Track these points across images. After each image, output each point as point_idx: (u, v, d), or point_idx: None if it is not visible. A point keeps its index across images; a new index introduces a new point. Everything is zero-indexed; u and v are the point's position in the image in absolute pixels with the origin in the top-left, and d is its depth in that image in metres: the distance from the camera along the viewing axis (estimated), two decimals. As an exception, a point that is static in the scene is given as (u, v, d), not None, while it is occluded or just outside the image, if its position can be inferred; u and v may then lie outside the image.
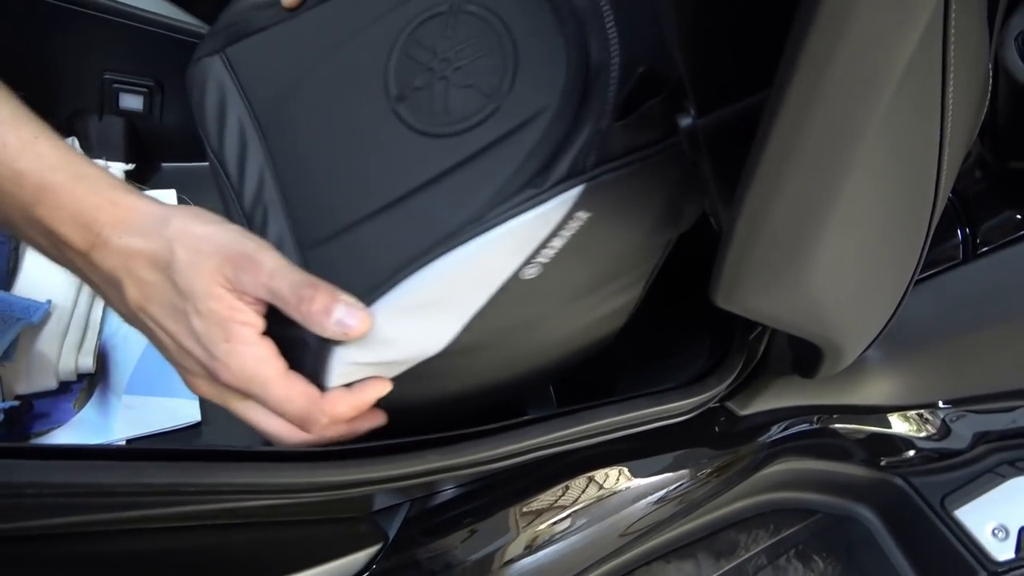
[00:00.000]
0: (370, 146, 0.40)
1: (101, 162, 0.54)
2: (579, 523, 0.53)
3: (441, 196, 0.38)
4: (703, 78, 0.25)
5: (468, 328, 0.39)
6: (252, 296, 0.35)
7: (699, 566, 0.75)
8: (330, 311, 0.35)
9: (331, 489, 0.39)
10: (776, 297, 0.30)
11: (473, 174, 0.38)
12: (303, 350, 0.38)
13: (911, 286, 0.47)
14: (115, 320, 0.50)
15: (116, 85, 0.55)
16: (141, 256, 0.34)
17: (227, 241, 0.35)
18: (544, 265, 0.38)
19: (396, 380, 0.40)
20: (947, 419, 0.72)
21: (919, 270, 0.46)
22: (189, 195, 0.58)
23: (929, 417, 0.72)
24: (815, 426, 0.65)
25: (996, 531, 0.70)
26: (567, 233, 0.37)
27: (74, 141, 0.56)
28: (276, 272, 0.35)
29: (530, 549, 0.52)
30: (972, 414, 0.72)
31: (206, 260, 0.34)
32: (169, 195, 0.58)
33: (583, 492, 0.53)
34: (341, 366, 0.38)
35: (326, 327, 0.35)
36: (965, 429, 0.73)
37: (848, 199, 0.24)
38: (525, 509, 0.51)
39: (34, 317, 0.46)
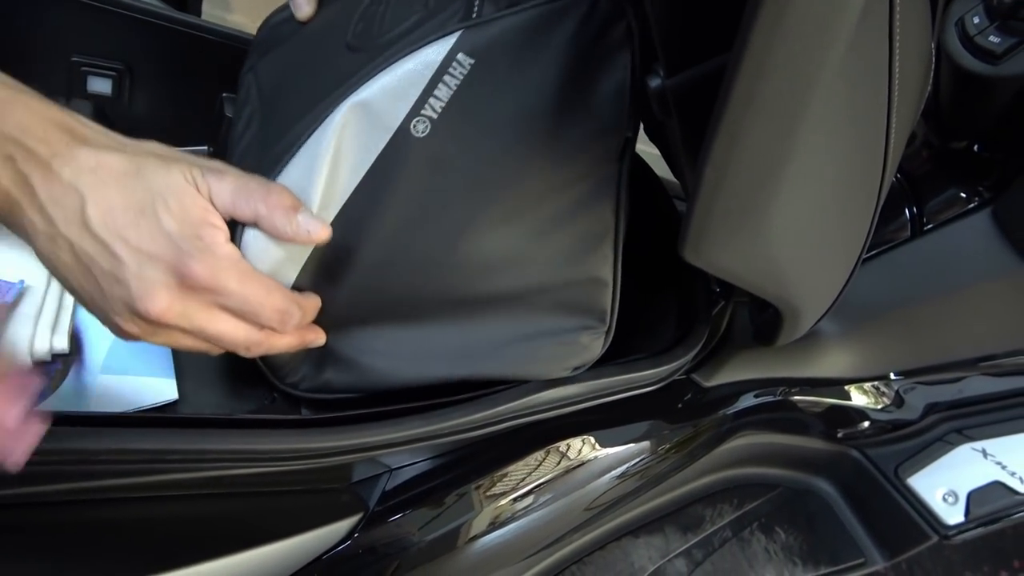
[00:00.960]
0: (324, 72, 0.42)
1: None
2: (546, 497, 0.55)
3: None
4: (673, 38, 0.27)
5: (371, 196, 0.38)
6: (219, 201, 0.36)
7: (667, 540, 0.77)
8: (297, 208, 0.37)
9: (316, 456, 0.40)
10: (739, 252, 0.32)
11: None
12: None
13: (861, 258, 0.50)
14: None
15: (84, 68, 0.55)
16: (109, 165, 0.33)
17: (195, 159, 0.36)
18: (433, 121, 0.38)
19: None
20: (900, 391, 0.76)
21: (868, 243, 0.49)
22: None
23: (884, 389, 0.75)
24: (777, 398, 0.68)
25: (947, 496, 0.73)
26: (451, 81, 0.37)
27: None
28: (242, 175, 0.37)
29: (493, 525, 0.53)
30: (923, 386, 0.76)
31: (177, 164, 0.35)
32: (139, 180, 0.58)
33: (549, 465, 0.55)
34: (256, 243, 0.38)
35: (289, 222, 0.36)
36: (917, 400, 0.76)
37: (804, 150, 0.26)
38: (495, 483, 0.52)
39: (7, 297, 0.46)
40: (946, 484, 0.74)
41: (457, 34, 0.37)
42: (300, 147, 0.39)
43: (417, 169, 0.38)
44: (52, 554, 0.34)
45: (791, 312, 0.46)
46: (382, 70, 0.38)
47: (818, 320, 0.54)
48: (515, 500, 0.54)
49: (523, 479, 0.54)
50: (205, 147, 0.62)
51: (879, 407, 0.76)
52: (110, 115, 0.57)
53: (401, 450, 0.44)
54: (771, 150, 0.25)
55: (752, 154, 0.25)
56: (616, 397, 0.53)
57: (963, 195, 0.64)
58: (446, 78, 0.37)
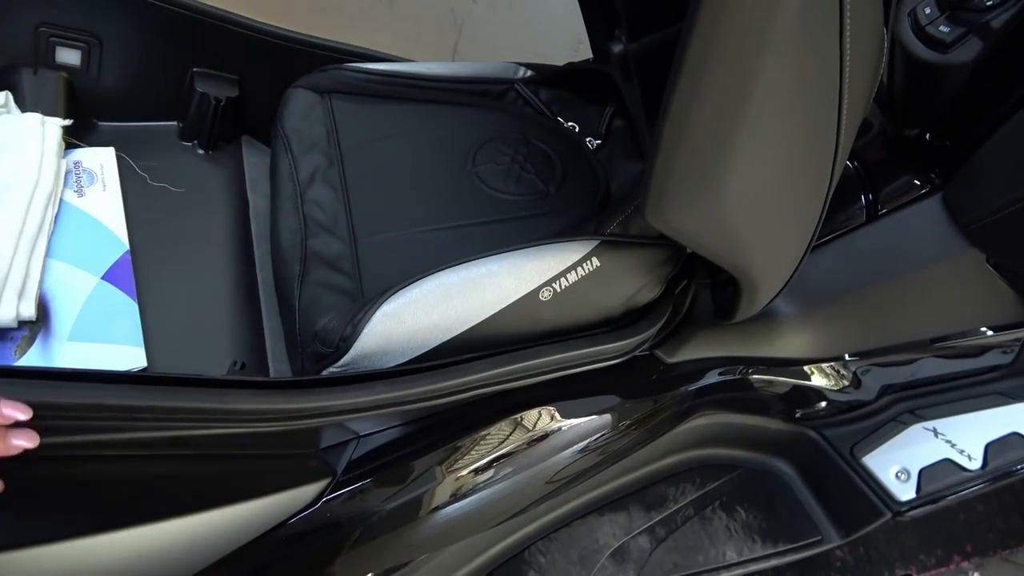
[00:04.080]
0: (442, 187, 0.54)
1: (36, 115, 0.54)
2: (508, 470, 0.56)
3: (488, 234, 0.52)
4: (634, 4, 0.28)
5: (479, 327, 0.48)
6: None
7: (631, 518, 0.79)
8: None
9: (283, 418, 0.41)
10: (697, 215, 0.34)
11: (515, 229, 0.53)
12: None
13: (814, 238, 0.51)
14: (58, 268, 0.50)
15: (53, 38, 0.54)
16: None
17: None
18: (556, 293, 0.50)
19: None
20: (857, 372, 0.78)
21: (820, 225, 0.51)
22: (128, 153, 0.58)
23: (843, 371, 0.78)
24: (737, 377, 0.70)
25: (899, 474, 0.76)
26: (583, 271, 0.50)
27: (8, 96, 0.55)
28: None
29: (455, 496, 0.54)
30: (878, 368, 0.78)
31: None
32: (108, 153, 0.58)
33: (512, 438, 0.56)
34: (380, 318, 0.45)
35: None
36: (872, 382, 0.79)
37: (757, 114, 0.28)
38: (458, 454, 0.53)
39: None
40: (899, 462, 0.76)
41: (597, 242, 0.50)
42: (438, 273, 0.47)
43: (526, 321, 0.50)
44: (17, 505, 0.34)
45: (749, 284, 0.48)
46: (532, 246, 0.49)
47: (774, 297, 0.56)
48: (477, 472, 0.55)
49: (486, 451, 0.55)
50: (175, 122, 0.62)
51: (836, 388, 0.78)
52: (78, 87, 0.57)
53: (368, 415, 0.45)
54: (726, 109, 0.27)
55: (708, 111, 0.26)
56: (581, 369, 0.54)
57: (916, 182, 0.67)
58: (579, 269, 0.50)
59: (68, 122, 0.56)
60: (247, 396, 0.39)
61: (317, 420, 0.43)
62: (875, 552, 1.14)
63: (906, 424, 0.77)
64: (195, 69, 0.59)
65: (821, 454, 0.81)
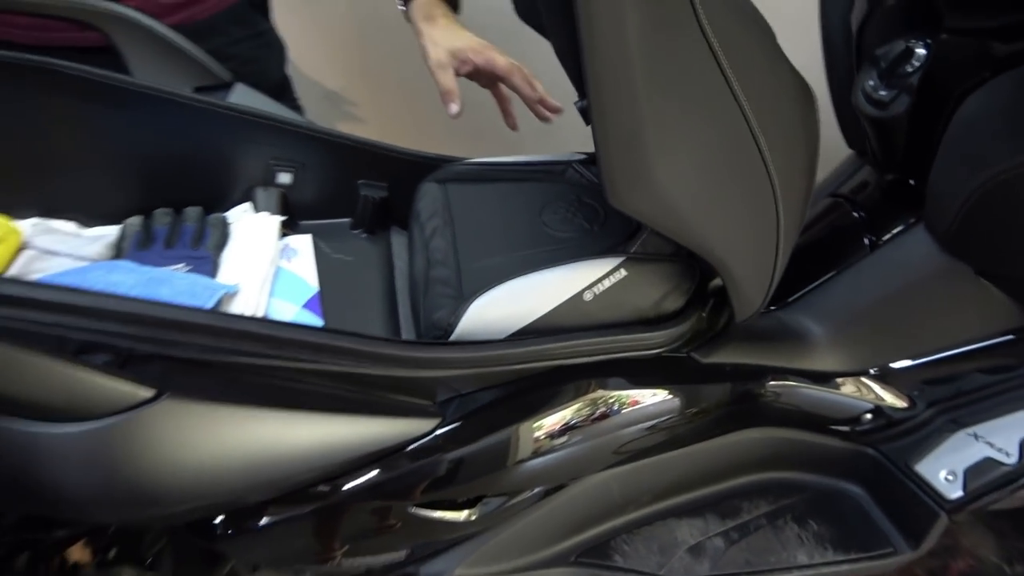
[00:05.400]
0: (519, 233, 0.78)
1: (265, 215, 0.85)
2: (579, 437, 0.74)
3: (548, 258, 0.71)
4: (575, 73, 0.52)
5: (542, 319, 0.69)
6: None
7: (707, 523, 0.92)
8: None
9: (412, 365, 0.64)
10: (643, 197, 0.55)
11: (568, 254, 0.72)
12: None
13: (783, 244, 0.68)
14: (276, 303, 0.78)
15: (275, 166, 0.86)
16: None
17: None
18: (596, 295, 0.69)
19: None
20: (907, 391, 0.89)
21: (785, 230, 0.68)
22: (319, 238, 0.87)
23: (892, 390, 0.89)
24: (773, 385, 0.84)
25: (947, 476, 0.85)
26: (614, 279, 0.69)
27: (249, 205, 0.87)
28: None
29: (536, 454, 0.72)
30: (927, 386, 0.89)
31: None
32: (306, 239, 0.87)
33: (580, 414, 0.74)
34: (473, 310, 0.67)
35: None
36: (920, 397, 0.89)
37: (655, 115, 0.49)
38: (538, 419, 0.72)
39: (230, 290, 0.74)
40: (947, 466, 0.86)
41: (623, 258, 0.70)
42: (511, 278, 0.69)
43: (575, 315, 0.70)
44: (228, 388, 0.58)
45: (726, 275, 0.67)
46: (578, 258, 0.70)
47: (766, 299, 0.73)
48: (551, 436, 0.73)
49: (559, 421, 0.73)
50: (348, 218, 0.92)
51: (886, 405, 0.90)
52: (290, 197, 0.88)
53: (465, 373, 0.67)
54: (627, 110, 0.48)
55: (616, 115, 0.48)
56: (622, 355, 0.73)
57: (904, 215, 0.83)
58: (611, 277, 0.70)
59: (283, 218, 0.86)
60: (394, 347, 0.63)
61: (430, 372, 0.66)
62: None
63: (951, 432, 0.87)
64: (360, 181, 0.89)
65: (882, 470, 0.91)
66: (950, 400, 0.88)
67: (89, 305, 0.52)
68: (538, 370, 0.70)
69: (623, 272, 0.70)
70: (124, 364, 0.54)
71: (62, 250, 0.78)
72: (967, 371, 0.88)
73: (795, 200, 0.68)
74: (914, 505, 0.87)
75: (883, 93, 0.75)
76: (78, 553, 0.83)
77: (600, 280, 0.70)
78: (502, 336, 0.69)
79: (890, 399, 0.88)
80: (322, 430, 0.61)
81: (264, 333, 0.58)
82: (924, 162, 0.76)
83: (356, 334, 0.63)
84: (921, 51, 0.72)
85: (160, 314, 0.54)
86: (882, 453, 0.91)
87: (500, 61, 0.90)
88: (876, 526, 0.92)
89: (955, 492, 0.83)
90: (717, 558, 0.89)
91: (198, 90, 0.85)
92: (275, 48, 1.11)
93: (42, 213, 0.81)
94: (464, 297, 0.69)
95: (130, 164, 0.84)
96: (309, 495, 0.65)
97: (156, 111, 0.80)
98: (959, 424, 0.86)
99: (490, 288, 0.69)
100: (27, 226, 0.79)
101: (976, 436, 0.85)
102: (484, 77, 0.92)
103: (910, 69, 0.73)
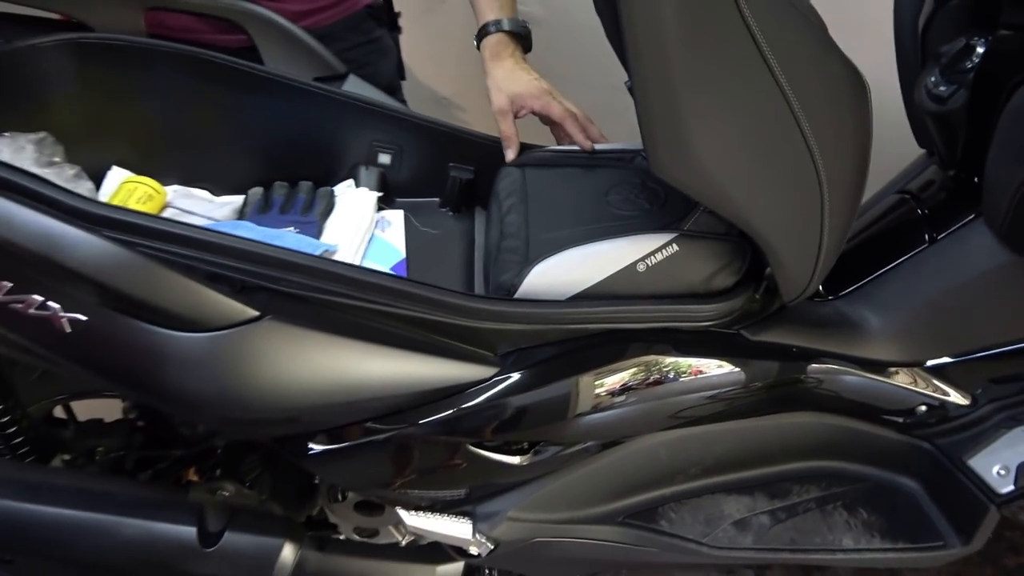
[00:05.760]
0: (585, 211, 0.85)
1: (365, 190, 0.97)
2: (634, 398, 0.80)
3: (611, 230, 0.79)
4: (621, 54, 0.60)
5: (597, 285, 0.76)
6: None
7: (755, 500, 0.95)
8: None
9: (479, 317, 0.72)
10: (683, 167, 0.61)
11: (629, 227, 0.79)
12: None
13: (827, 222, 0.71)
14: (369, 265, 0.89)
15: (377, 148, 0.98)
16: None
17: None
18: (648, 266, 0.75)
19: None
20: (964, 384, 0.90)
21: (830, 212, 0.71)
22: (410, 214, 0.98)
23: (949, 382, 0.90)
24: (822, 369, 0.86)
25: (1000, 471, 0.86)
26: (666, 252, 0.75)
27: (351, 181, 0.99)
28: None
29: (596, 408, 0.79)
30: (980, 380, 0.89)
31: None
32: (399, 213, 0.98)
33: (635, 378, 0.80)
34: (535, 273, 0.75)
35: None
36: (979, 394, 0.90)
37: (690, 88, 0.56)
38: (598, 377, 0.79)
39: (330, 248, 0.86)
40: (1000, 462, 0.86)
41: (675, 234, 0.76)
42: (571, 247, 0.76)
43: (627, 284, 0.76)
44: (319, 318, 0.69)
45: (769, 251, 0.72)
46: (635, 232, 0.77)
47: (811, 280, 0.77)
48: (612, 395, 0.80)
49: (618, 381, 0.80)
50: (437, 197, 1.02)
51: (949, 401, 0.90)
52: (388, 176, 1.00)
53: (523, 328, 0.75)
54: (664, 87, 0.55)
55: (653, 89, 0.55)
56: (671, 324, 0.79)
57: (965, 210, 0.84)
58: (663, 251, 0.75)
59: (380, 194, 0.98)
60: (461, 298, 0.72)
61: (491, 323, 0.74)
62: None
63: (1007, 428, 0.87)
64: (450, 163, 1.00)
65: (938, 465, 0.92)
66: (1010, 397, 0.88)
67: (216, 242, 0.65)
68: (591, 331, 0.77)
69: (675, 247, 0.76)
70: (239, 292, 0.66)
71: (198, 211, 0.93)
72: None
73: (843, 184, 0.72)
74: (965, 499, 0.87)
75: (943, 88, 0.78)
76: (190, 473, 0.97)
77: (653, 253, 0.76)
78: (560, 299, 0.77)
79: (952, 395, 0.89)
80: (395, 364, 0.71)
81: (351, 276, 0.69)
82: (982, 157, 0.78)
83: (429, 284, 0.72)
84: (980, 48, 0.75)
85: (268, 253, 0.66)
86: (937, 447, 0.91)
87: (555, 108, 0.96)
88: (928, 520, 0.92)
89: (1006, 486, 0.84)
90: (762, 534, 0.92)
91: (316, 80, 0.98)
92: (388, 54, 1.23)
93: (182, 181, 0.96)
94: (528, 262, 0.78)
95: (256, 143, 0.98)
96: (382, 426, 0.75)
97: (282, 97, 0.94)
98: (1017, 420, 0.87)
99: (551, 255, 0.77)
100: (170, 191, 0.94)
101: (1033, 433, 0.85)
102: (542, 119, 1.00)
103: (969, 65, 0.75)
